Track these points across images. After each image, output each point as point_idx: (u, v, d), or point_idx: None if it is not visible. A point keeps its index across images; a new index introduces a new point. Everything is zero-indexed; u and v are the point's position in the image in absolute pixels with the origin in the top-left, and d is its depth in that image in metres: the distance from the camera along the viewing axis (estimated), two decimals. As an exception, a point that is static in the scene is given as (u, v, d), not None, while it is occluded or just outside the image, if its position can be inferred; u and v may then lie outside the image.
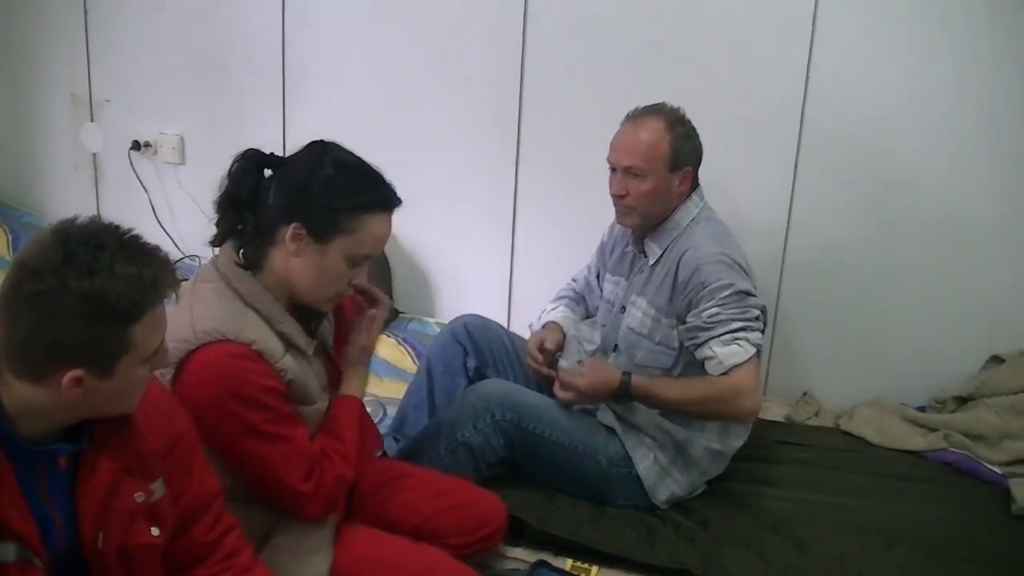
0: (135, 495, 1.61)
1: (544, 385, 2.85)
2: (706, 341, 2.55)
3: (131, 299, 1.47)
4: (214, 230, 2.09)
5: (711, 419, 2.67)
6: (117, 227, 1.53)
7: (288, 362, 2.00)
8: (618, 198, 2.73)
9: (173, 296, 1.59)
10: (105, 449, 1.59)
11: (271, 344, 1.98)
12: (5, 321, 1.47)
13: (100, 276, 1.45)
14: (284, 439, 1.99)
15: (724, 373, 2.52)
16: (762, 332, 2.59)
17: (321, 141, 2.09)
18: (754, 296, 2.61)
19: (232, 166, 2.05)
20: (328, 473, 2.06)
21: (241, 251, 2.06)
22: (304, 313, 2.12)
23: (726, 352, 2.51)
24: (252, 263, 2.04)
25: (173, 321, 1.92)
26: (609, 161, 2.74)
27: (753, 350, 2.52)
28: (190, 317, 1.95)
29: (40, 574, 1.50)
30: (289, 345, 2.03)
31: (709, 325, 2.55)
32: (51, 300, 1.43)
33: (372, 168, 2.08)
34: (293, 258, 2.02)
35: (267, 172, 2.07)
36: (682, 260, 2.66)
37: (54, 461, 1.55)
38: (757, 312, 2.58)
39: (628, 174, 2.68)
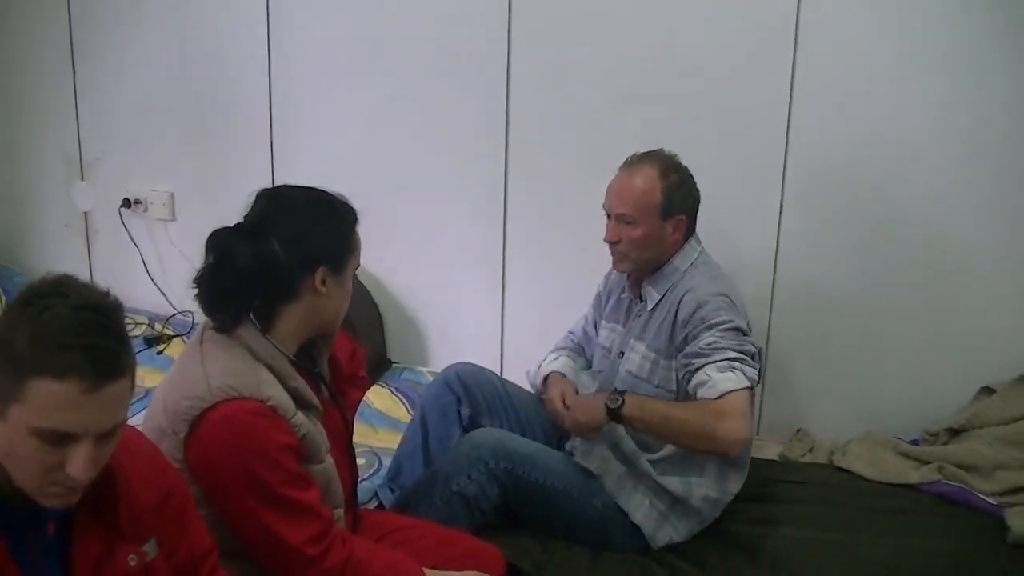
0: (128, 558, 1.57)
1: (543, 433, 2.90)
2: (702, 366, 2.55)
3: (32, 353, 1.35)
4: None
5: (698, 446, 2.61)
6: (58, 284, 1.43)
7: (301, 418, 2.00)
8: (612, 244, 2.76)
9: (101, 385, 1.39)
10: (95, 511, 1.55)
11: (285, 400, 1.98)
12: None
13: (17, 327, 1.37)
14: (297, 500, 1.97)
15: (718, 397, 2.51)
16: (757, 373, 2.59)
17: (268, 190, 2.12)
18: (750, 337, 2.63)
19: (217, 252, 1.99)
20: (340, 550, 2.03)
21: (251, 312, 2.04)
22: (307, 371, 2.13)
23: (720, 377, 2.51)
24: (265, 321, 2.04)
25: (185, 380, 1.95)
26: (604, 207, 2.77)
27: (747, 382, 2.52)
28: (204, 374, 1.94)
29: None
30: (299, 402, 2.03)
31: (706, 352, 2.56)
32: None
33: (321, 190, 2.12)
34: (321, 300, 2.06)
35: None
36: (683, 300, 2.67)
37: (43, 526, 1.51)
38: (753, 350, 2.60)
39: (621, 221, 2.71)
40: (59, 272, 1.47)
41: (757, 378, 2.59)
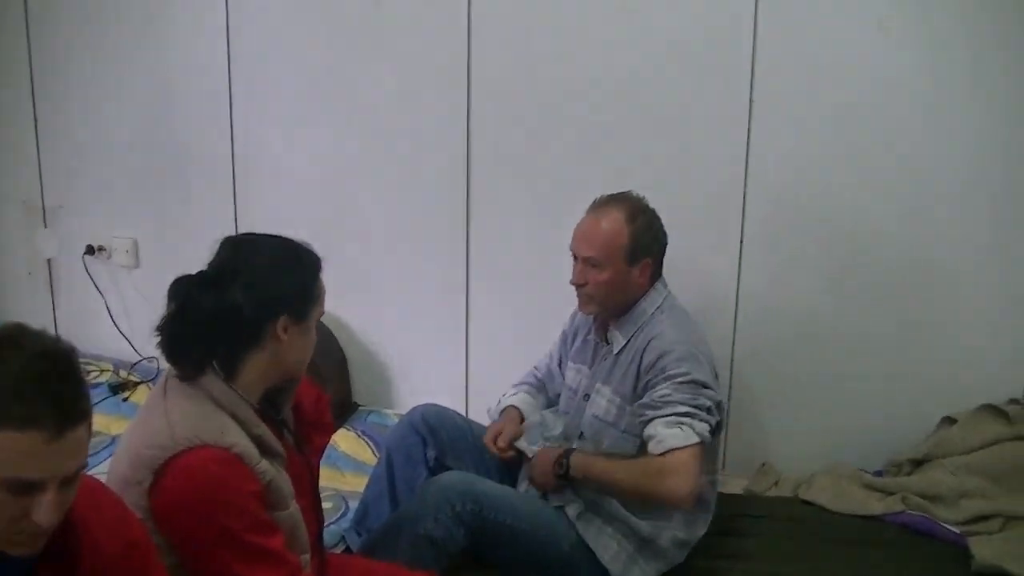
0: None
1: (508, 472, 2.89)
2: (651, 419, 2.56)
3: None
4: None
5: (642, 499, 2.64)
6: (58, 339, 1.46)
7: (265, 465, 1.99)
8: (578, 287, 2.77)
9: (64, 432, 1.39)
10: (57, 563, 1.53)
11: (249, 448, 1.97)
12: None
13: None
14: (263, 547, 1.95)
15: (662, 454, 2.52)
16: (712, 426, 2.59)
17: (232, 238, 2.12)
18: (710, 389, 2.63)
19: (179, 300, 1.99)
20: None
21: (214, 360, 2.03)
22: (270, 418, 2.13)
23: (668, 433, 2.52)
24: (228, 369, 2.03)
25: (149, 428, 1.94)
26: (571, 249, 2.78)
27: (696, 438, 2.51)
28: (167, 423, 1.93)
29: None
30: (263, 449, 2.02)
31: (657, 405, 2.57)
32: None
33: (285, 238, 2.13)
34: (284, 348, 2.05)
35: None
36: (648, 347, 2.68)
37: None
38: (709, 404, 2.59)
39: (587, 264, 2.72)
40: (10, 321, 1.48)
41: (710, 431, 2.59)
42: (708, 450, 2.63)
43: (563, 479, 2.69)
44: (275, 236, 2.12)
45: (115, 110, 4.11)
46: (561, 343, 3.14)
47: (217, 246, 2.09)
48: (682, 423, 2.53)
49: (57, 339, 1.47)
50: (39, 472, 1.39)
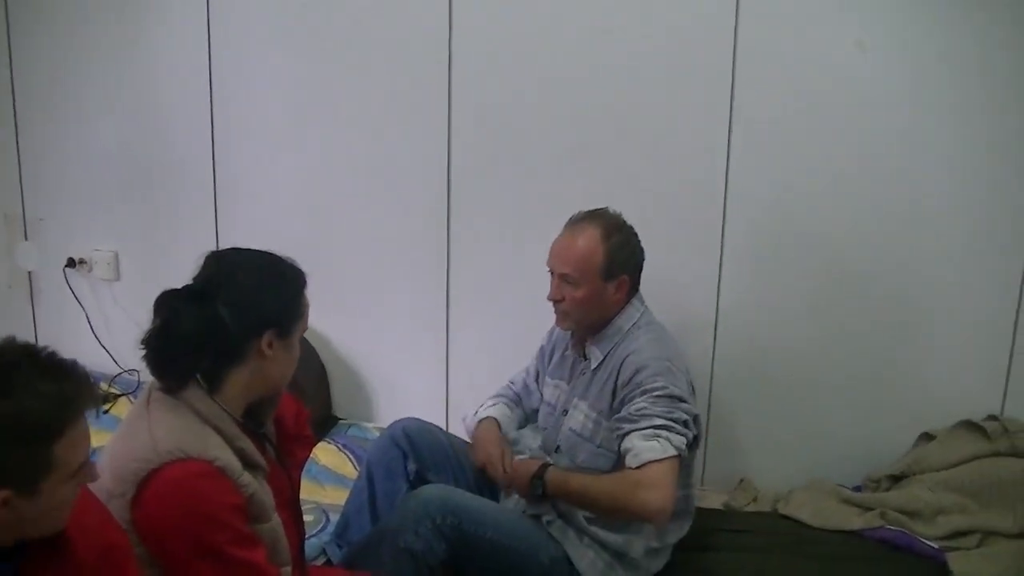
0: None
1: (487, 485, 2.90)
2: (628, 432, 2.57)
3: (50, 417, 1.46)
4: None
5: (618, 516, 2.64)
6: (32, 345, 1.53)
7: (248, 478, 1.98)
8: (555, 303, 2.79)
9: (94, 411, 1.57)
10: (42, 566, 1.57)
11: (232, 461, 1.97)
12: None
13: (16, 395, 1.44)
14: (245, 560, 1.95)
15: (638, 467, 2.52)
16: (689, 440, 2.59)
17: (217, 253, 2.11)
18: (687, 403, 2.63)
19: (163, 314, 1.99)
20: None
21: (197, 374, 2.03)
22: (252, 432, 2.13)
23: (644, 446, 2.52)
24: (212, 383, 2.03)
25: (132, 441, 1.94)
26: (548, 265, 2.79)
27: (673, 451, 2.52)
28: (151, 436, 1.93)
29: None
30: (245, 462, 2.02)
31: (634, 418, 2.57)
32: None
33: (270, 253, 2.13)
34: (268, 364, 2.06)
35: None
36: (624, 363, 2.69)
37: None
38: (686, 417, 2.60)
39: (564, 280, 2.74)
40: None
41: (687, 445, 2.59)
42: (684, 464, 2.64)
43: (540, 497, 2.70)
44: (260, 251, 2.12)
45: (97, 122, 4.10)
46: (539, 358, 3.15)
47: (202, 260, 2.09)
48: (659, 436, 2.53)
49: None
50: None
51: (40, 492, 1.48)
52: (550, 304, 2.81)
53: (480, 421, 3.04)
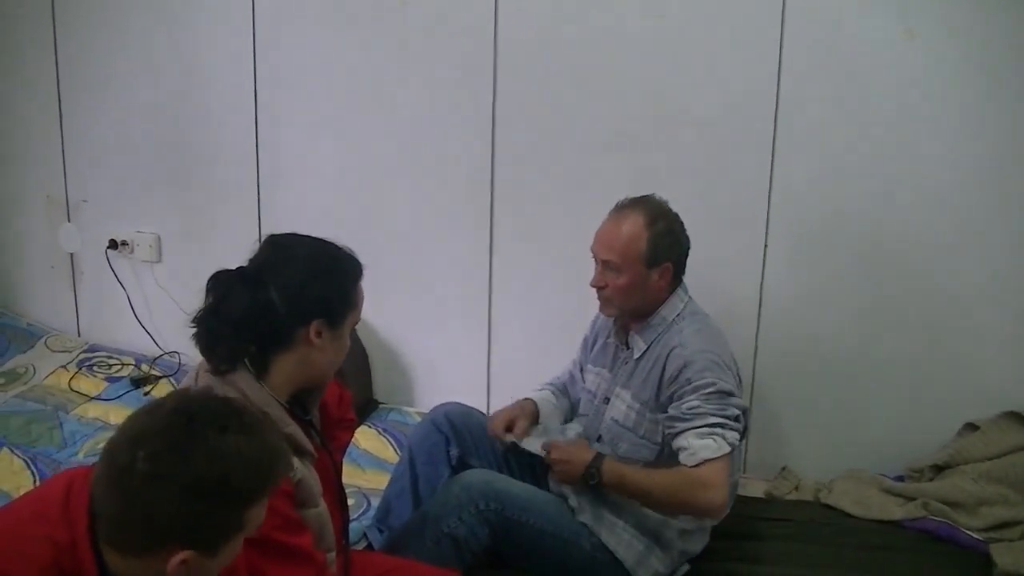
0: None
1: (531, 471, 2.89)
2: (682, 431, 2.55)
3: (253, 484, 1.49)
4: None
5: (676, 510, 2.64)
6: (233, 403, 1.56)
7: (296, 463, 1.99)
8: (598, 289, 2.77)
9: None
10: None
11: None
12: (113, 496, 1.45)
13: (227, 460, 1.45)
14: (291, 545, 1.96)
15: (695, 466, 2.51)
16: (740, 433, 2.58)
17: (275, 237, 2.12)
18: (736, 397, 2.62)
19: (216, 295, 2.00)
20: None
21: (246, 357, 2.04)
22: (299, 418, 2.13)
23: (700, 444, 2.50)
24: (260, 367, 2.04)
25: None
26: (591, 251, 2.77)
27: (728, 448, 2.51)
28: None
29: None
30: (293, 447, 2.01)
31: (688, 416, 2.55)
32: (172, 482, 1.42)
33: (328, 242, 2.13)
34: (315, 352, 2.05)
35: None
36: (670, 356, 2.66)
37: None
38: (737, 412, 2.58)
39: (607, 267, 2.72)
40: (175, 392, 1.62)
41: (739, 439, 2.59)
42: (733, 456, 2.63)
43: (592, 487, 2.66)
44: (317, 239, 2.12)
45: (140, 105, 4.12)
46: (582, 348, 3.13)
47: (259, 243, 2.10)
48: (714, 434, 2.52)
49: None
50: None
51: (220, 552, 1.50)
52: (593, 291, 2.80)
53: (517, 403, 3.03)
